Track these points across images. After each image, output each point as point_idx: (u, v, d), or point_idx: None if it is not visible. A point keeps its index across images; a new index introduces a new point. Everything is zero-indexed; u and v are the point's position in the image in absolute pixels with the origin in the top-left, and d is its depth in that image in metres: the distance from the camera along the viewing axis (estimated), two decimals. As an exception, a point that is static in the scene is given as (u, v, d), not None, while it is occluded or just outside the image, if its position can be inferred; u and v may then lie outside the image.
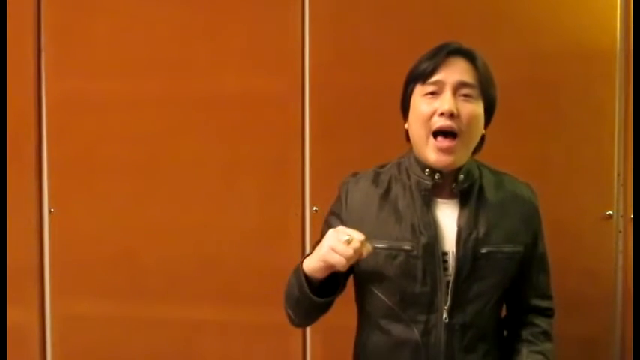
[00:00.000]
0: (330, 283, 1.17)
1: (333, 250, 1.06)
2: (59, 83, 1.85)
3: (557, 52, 1.62)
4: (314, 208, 1.74)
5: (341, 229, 1.10)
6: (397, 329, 1.20)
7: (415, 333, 1.18)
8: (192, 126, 1.79)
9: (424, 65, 1.17)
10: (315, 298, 1.14)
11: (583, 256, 1.63)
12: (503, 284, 1.22)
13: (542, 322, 1.28)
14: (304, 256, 1.19)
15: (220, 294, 1.80)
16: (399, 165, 1.25)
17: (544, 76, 1.64)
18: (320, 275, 1.13)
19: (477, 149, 1.22)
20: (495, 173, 1.27)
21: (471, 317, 1.18)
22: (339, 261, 1.05)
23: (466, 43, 1.64)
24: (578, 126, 1.63)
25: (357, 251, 1.05)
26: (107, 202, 1.84)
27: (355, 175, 1.29)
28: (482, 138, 1.22)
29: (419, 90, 1.17)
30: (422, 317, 1.18)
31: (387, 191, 1.22)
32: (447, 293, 1.17)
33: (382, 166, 1.28)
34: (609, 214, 1.62)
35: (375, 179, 1.25)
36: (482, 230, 1.18)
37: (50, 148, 1.86)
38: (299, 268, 1.16)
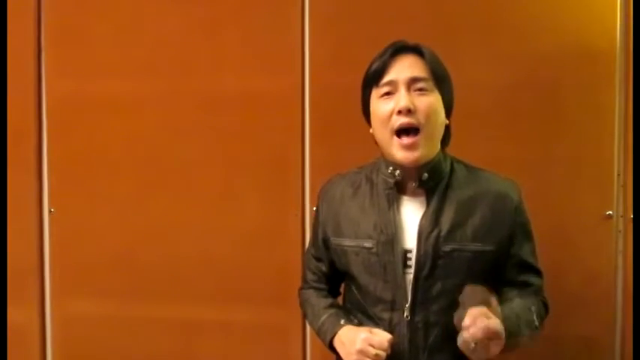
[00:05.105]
0: None
1: None
2: (59, 83, 1.85)
3: (557, 52, 1.62)
4: (314, 208, 1.73)
5: (368, 345, 1.14)
6: (367, 325, 1.21)
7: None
8: (193, 126, 1.79)
9: (374, 68, 1.20)
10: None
11: (583, 256, 1.63)
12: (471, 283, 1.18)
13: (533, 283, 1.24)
14: (336, 322, 1.24)
15: (220, 294, 1.80)
16: (373, 165, 1.28)
17: (544, 77, 1.63)
18: None
19: (445, 141, 1.22)
20: (472, 170, 1.25)
21: (435, 316, 1.17)
22: None
23: (466, 43, 1.66)
24: (578, 126, 1.63)
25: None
26: (107, 202, 1.84)
27: (336, 175, 1.33)
28: (448, 129, 1.22)
29: (375, 93, 1.20)
30: (386, 315, 1.19)
31: (357, 190, 1.25)
32: (410, 291, 1.17)
33: (361, 167, 1.31)
34: (609, 214, 1.62)
35: (350, 179, 1.29)
36: (445, 228, 1.16)
37: (50, 148, 1.87)
38: (325, 331, 1.25)
